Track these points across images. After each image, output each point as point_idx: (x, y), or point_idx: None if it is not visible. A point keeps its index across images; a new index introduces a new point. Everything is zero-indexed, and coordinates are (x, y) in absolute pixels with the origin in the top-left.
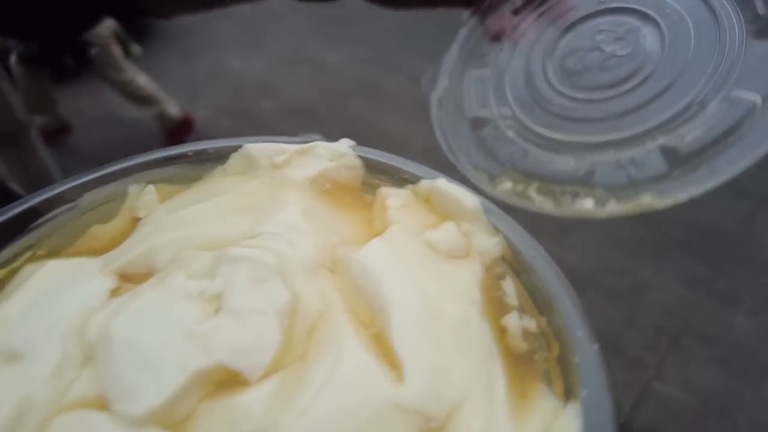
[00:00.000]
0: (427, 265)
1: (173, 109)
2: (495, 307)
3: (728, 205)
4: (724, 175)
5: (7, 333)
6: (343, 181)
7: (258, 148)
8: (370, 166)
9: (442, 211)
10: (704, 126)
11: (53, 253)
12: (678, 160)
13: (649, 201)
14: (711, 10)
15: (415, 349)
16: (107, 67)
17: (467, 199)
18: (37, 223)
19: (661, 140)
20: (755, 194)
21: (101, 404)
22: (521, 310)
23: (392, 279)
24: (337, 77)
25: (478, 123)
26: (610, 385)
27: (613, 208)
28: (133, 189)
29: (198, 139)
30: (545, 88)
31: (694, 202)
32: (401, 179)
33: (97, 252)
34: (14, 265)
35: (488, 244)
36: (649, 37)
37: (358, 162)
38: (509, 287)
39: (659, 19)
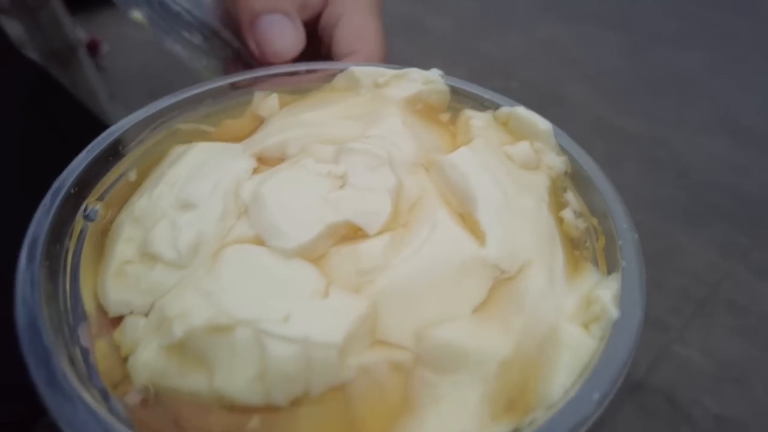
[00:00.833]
0: (505, 170)
1: None
2: (557, 207)
3: None
4: None
5: (180, 189)
6: (433, 103)
7: (361, 70)
8: (455, 92)
9: (518, 132)
10: None
11: (192, 139)
12: None
13: None
14: None
15: (495, 224)
16: None
17: (541, 122)
18: (173, 114)
19: None
20: None
21: (258, 242)
22: (578, 214)
23: (478, 176)
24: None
25: None
26: (643, 265)
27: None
28: (258, 95)
29: None
30: None
31: (740, 169)
32: (482, 105)
33: (233, 140)
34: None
35: (556, 161)
36: None
37: (446, 88)
38: (569, 196)
39: None
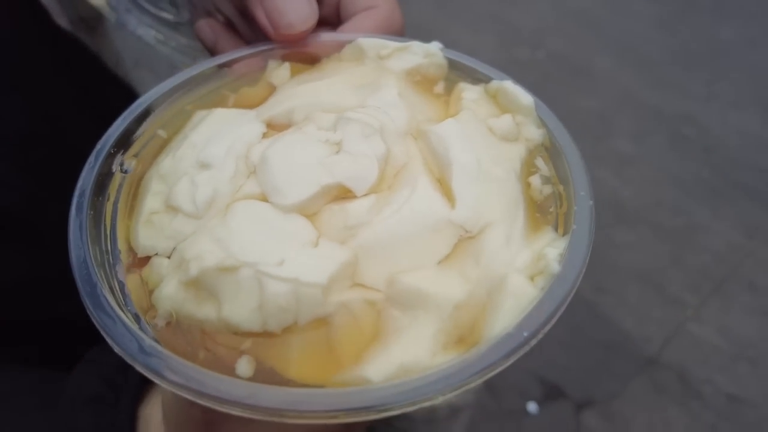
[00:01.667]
0: (485, 141)
1: None
2: (527, 174)
3: None
4: None
5: (199, 151)
6: (431, 75)
7: (367, 42)
8: (453, 65)
9: (504, 105)
10: None
11: (215, 105)
12: None
13: None
14: None
15: (466, 190)
16: None
17: (524, 97)
18: (199, 82)
19: None
20: None
21: (263, 198)
22: (545, 180)
23: (458, 146)
24: None
25: None
26: (593, 228)
27: None
28: (272, 64)
29: None
30: None
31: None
32: (476, 78)
33: (248, 106)
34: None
35: (534, 133)
36: None
37: (444, 61)
38: (541, 164)
39: None
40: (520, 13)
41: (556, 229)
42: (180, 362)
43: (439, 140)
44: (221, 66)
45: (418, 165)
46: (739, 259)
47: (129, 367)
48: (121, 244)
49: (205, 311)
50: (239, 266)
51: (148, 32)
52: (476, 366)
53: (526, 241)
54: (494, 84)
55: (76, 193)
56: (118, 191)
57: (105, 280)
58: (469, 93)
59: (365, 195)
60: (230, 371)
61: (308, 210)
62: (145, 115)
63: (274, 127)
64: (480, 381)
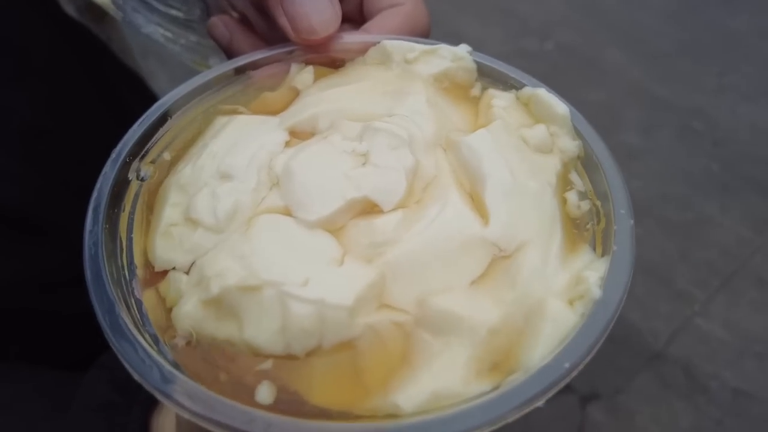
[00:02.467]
0: (519, 153)
1: None
2: (564, 188)
3: None
4: None
5: (220, 160)
6: (459, 80)
7: (393, 45)
8: (482, 70)
9: (537, 114)
10: None
11: (234, 111)
12: None
13: None
14: None
15: (500, 206)
16: None
17: (559, 107)
18: (219, 86)
19: None
20: None
21: (286, 211)
22: (582, 196)
23: (490, 158)
24: None
25: None
26: (635, 250)
27: None
28: (294, 67)
29: None
30: None
31: None
32: (507, 84)
33: (269, 113)
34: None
35: (569, 145)
36: None
37: (473, 65)
38: (576, 178)
39: None
40: (528, 4)
41: (593, 248)
42: (201, 390)
43: (470, 152)
44: (240, 69)
45: (448, 178)
46: (747, 254)
47: None
48: (137, 258)
49: (226, 332)
50: (262, 286)
51: (156, 30)
52: (514, 400)
53: (564, 261)
54: (527, 91)
55: (91, 206)
56: (134, 201)
57: (122, 299)
58: (500, 100)
59: (393, 210)
60: (251, 395)
61: (333, 225)
62: (162, 120)
63: (297, 135)
64: (517, 416)
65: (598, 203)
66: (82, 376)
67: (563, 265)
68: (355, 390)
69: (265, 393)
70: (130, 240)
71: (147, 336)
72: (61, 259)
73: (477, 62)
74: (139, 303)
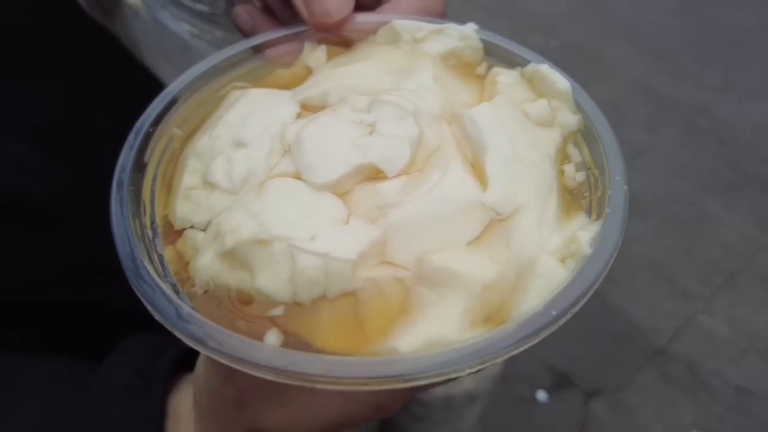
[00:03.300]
0: (520, 126)
1: None
2: (562, 161)
3: None
4: None
5: (235, 130)
6: (466, 59)
7: (402, 24)
8: (488, 49)
9: (540, 89)
10: None
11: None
12: None
13: None
14: None
15: (499, 173)
16: None
17: (561, 82)
18: (234, 64)
19: None
20: None
21: (297, 176)
22: (579, 167)
23: (492, 130)
24: None
25: None
26: (627, 212)
27: None
28: (308, 46)
29: None
30: None
31: None
32: (512, 62)
33: (284, 87)
34: (223, 91)
35: (570, 119)
36: None
37: (480, 45)
38: (575, 151)
39: None
40: (533, 0)
41: (589, 215)
42: (216, 328)
43: (473, 124)
44: (256, 48)
45: (451, 148)
46: (751, 252)
47: (159, 357)
48: (159, 219)
49: (239, 281)
50: (272, 240)
51: (182, 27)
52: (505, 341)
53: (558, 225)
54: (530, 68)
55: (117, 169)
56: (156, 168)
57: (145, 253)
58: (504, 77)
59: (396, 176)
60: (260, 339)
61: (340, 189)
62: (180, 96)
63: (308, 108)
64: (508, 356)
65: (596, 172)
66: (100, 364)
67: (557, 228)
68: (357, 337)
69: (273, 337)
70: (152, 201)
71: (168, 285)
72: (85, 250)
73: (484, 41)
74: (161, 257)
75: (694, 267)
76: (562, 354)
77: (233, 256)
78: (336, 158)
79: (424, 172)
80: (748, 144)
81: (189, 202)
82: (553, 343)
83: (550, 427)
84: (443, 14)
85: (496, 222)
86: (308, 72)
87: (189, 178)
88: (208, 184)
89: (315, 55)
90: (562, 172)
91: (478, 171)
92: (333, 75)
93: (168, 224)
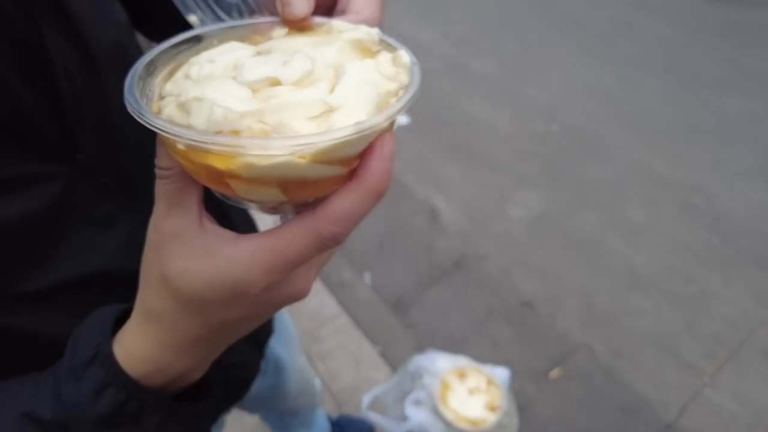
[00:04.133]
0: (373, 75)
1: None
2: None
3: None
4: None
5: (208, 57)
6: (366, 45)
7: (336, 23)
8: (383, 42)
9: (397, 63)
10: None
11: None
12: None
13: None
14: None
15: (343, 88)
16: None
17: (405, 57)
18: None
19: None
20: None
21: (234, 78)
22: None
23: (355, 71)
24: (427, 56)
25: None
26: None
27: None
28: (278, 26)
29: None
30: None
31: None
32: (394, 48)
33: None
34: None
35: (405, 78)
36: None
37: (377, 39)
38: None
39: None
40: (535, 88)
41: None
42: (172, 126)
43: (344, 69)
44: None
45: (327, 78)
46: (752, 327)
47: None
48: (155, 95)
49: (183, 120)
50: (204, 99)
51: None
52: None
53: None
54: (398, 52)
55: (130, 72)
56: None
57: (144, 99)
58: (383, 56)
59: (287, 86)
60: None
61: (255, 87)
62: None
63: (261, 54)
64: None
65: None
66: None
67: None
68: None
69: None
70: (153, 85)
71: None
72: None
73: (381, 38)
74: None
75: (697, 341)
76: (573, 427)
77: (183, 107)
78: (257, 71)
79: (303, 85)
80: (740, 220)
81: (174, 85)
82: (563, 416)
83: None
84: (379, 24)
85: (329, 111)
86: (270, 39)
87: (177, 77)
88: (186, 77)
89: (278, 32)
90: (386, 103)
91: (333, 87)
92: (281, 40)
93: (158, 95)
